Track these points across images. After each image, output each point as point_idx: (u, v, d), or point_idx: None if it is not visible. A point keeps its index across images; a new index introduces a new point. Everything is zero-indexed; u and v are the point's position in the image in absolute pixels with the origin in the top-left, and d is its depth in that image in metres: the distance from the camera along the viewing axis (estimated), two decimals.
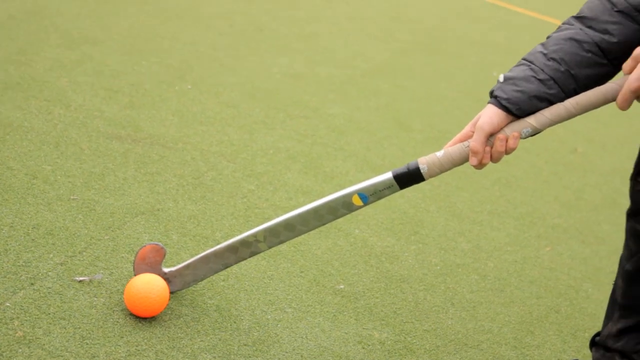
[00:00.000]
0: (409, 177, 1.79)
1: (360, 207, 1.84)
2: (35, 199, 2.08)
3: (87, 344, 1.60)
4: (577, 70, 1.75)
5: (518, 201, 3.17)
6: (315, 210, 1.86)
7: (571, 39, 1.78)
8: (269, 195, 2.54)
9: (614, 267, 1.92)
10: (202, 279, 1.94)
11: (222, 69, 3.56)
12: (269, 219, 1.99)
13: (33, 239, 1.89)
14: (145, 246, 1.88)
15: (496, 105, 1.72)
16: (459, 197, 3.03)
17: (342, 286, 2.17)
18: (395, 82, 4.24)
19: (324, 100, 3.55)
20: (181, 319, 1.80)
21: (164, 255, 1.89)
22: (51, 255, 1.86)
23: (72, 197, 2.16)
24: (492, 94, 1.75)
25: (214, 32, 4.07)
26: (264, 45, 4.12)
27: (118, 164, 2.43)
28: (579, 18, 1.83)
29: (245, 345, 1.76)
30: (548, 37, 1.79)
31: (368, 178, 1.82)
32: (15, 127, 2.43)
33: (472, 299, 2.33)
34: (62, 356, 1.55)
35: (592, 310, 2.48)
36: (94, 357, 1.57)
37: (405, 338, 2.01)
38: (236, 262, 1.93)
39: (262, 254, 2.04)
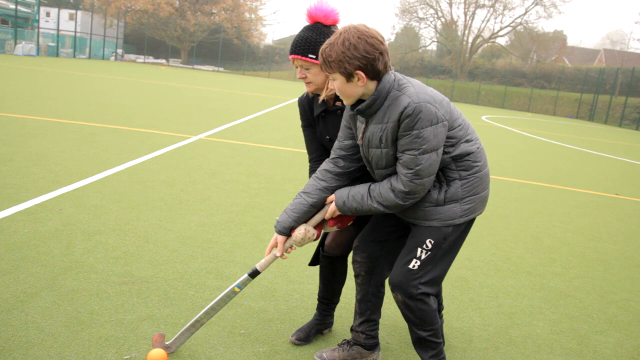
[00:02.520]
0: (254, 274, 2.37)
1: (239, 291, 2.39)
2: (95, 324, 2.59)
3: None
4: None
5: None
6: (221, 298, 2.38)
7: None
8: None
9: None
10: (184, 342, 2.42)
11: (165, 230, 4.12)
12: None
13: (100, 344, 2.40)
14: (154, 335, 2.37)
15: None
16: (293, 270, 3.72)
17: (242, 331, 2.68)
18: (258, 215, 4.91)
19: (220, 235, 4.18)
20: None
21: (164, 337, 2.38)
22: (110, 349, 2.36)
23: (111, 319, 2.62)
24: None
25: (158, 210, 4.64)
26: (184, 210, 4.73)
27: (128, 297, 2.90)
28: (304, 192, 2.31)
29: None
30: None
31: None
32: (76, 290, 3.01)
33: (303, 322, 2.93)
34: None
35: None
36: None
37: (274, 348, 2.57)
38: (197, 330, 2.42)
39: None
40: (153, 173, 5.81)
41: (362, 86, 2.03)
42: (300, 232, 2.30)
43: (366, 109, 2.07)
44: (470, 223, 2.25)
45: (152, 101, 13.61)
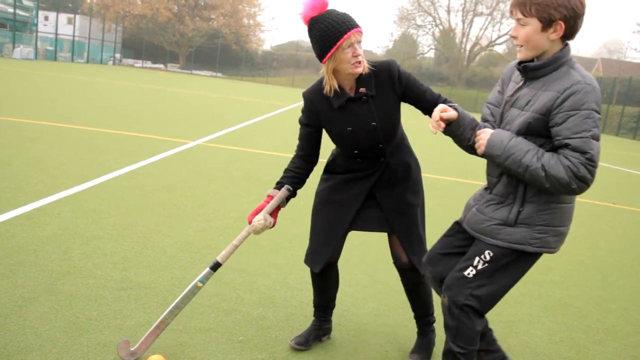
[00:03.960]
0: (216, 266, 2.44)
1: (202, 286, 2.43)
2: (94, 330, 2.57)
3: None
4: None
5: None
6: (185, 295, 2.41)
7: None
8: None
9: None
10: (152, 343, 2.39)
11: (164, 236, 4.11)
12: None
13: (98, 350, 2.41)
14: (119, 343, 2.34)
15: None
16: (292, 277, 3.71)
17: (241, 338, 2.67)
18: None
19: (218, 241, 4.13)
20: None
21: (129, 343, 2.34)
22: (109, 356, 2.36)
23: (109, 325, 2.60)
24: None
25: (157, 215, 4.64)
26: (183, 216, 4.72)
27: (126, 303, 2.88)
28: None
29: None
30: None
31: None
32: (74, 296, 2.98)
33: (300, 328, 2.91)
34: None
35: None
36: None
37: (273, 355, 2.55)
38: (162, 331, 2.41)
39: (199, 327, 2.63)
40: (152, 178, 5.81)
41: (554, 40, 1.87)
42: (259, 220, 2.38)
43: (537, 69, 1.91)
44: (536, 257, 2.07)
45: (150, 106, 13.61)
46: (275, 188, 2.52)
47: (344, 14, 2.25)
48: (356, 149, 2.40)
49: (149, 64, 46.13)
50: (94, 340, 2.52)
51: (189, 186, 5.69)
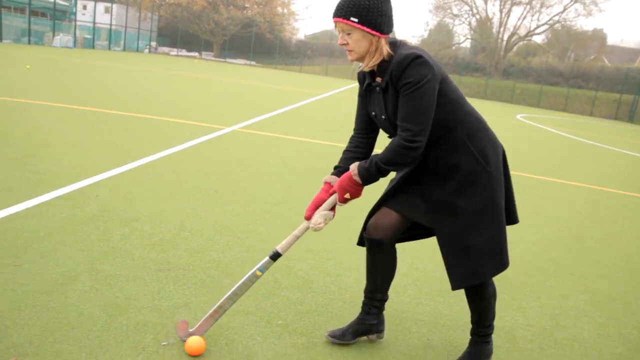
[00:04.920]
0: (275, 256, 2.32)
1: (261, 275, 2.34)
2: (133, 310, 2.58)
3: None
4: None
5: None
6: (244, 283, 2.34)
7: None
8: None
9: None
10: (209, 328, 2.34)
11: (200, 219, 4.06)
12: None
13: (138, 329, 2.40)
14: (177, 322, 2.36)
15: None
16: (330, 263, 3.61)
17: (280, 322, 2.64)
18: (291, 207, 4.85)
19: (255, 225, 4.08)
20: (212, 353, 2.28)
21: (187, 323, 2.34)
22: (148, 335, 2.33)
23: (147, 305, 2.60)
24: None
25: (193, 199, 4.63)
26: (219, 200, 4.70)
27: (164, 284, 2.88)
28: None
29: (242, 358, 2.27)
30: None
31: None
32: (113, 276, 2.93)
33: (341, 314, 2.86)
34: None
35: None
36: None
37: (312, 340, 2.51)
38: (220, 316, 2.36)
39: (238, 310, 2.60)
40: (187, 163, 5.82)
41: None
42: (317, 223, 2.26)
43: None
44: None
45: (185, 93, 13.71)
46: (333, 174, 2.37)
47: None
48: (386, 132, 2.33)
49: (184, 52, 46.56)
50: (133, 320, 2.52)
51: (225, 171, 5.68)
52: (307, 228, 2.32)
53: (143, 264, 3.13)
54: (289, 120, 11.00)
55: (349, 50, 2.14)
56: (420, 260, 3.82)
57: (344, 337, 2.49)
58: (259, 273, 2.36)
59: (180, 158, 6.01)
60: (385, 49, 2.11)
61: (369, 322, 2.52)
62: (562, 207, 6.31)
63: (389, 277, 2.48)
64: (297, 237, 2.34)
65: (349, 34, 2.11)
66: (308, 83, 28.41)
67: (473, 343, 2.49)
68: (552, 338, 2.95)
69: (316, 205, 2.32)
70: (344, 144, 8.37)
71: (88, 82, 13.04)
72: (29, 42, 30.02)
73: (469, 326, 2.90)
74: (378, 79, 2.20)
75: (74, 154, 5.48)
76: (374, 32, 2.08)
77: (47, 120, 7.17)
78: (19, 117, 7.19)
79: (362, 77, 2.32)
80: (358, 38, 2.09)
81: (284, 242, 2.35)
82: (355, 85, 30.78)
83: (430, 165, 2.24)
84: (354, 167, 2.22)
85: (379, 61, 2.14)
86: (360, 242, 2.55)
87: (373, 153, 2.34)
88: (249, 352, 2.39)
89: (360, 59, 2.16)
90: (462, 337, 2.81)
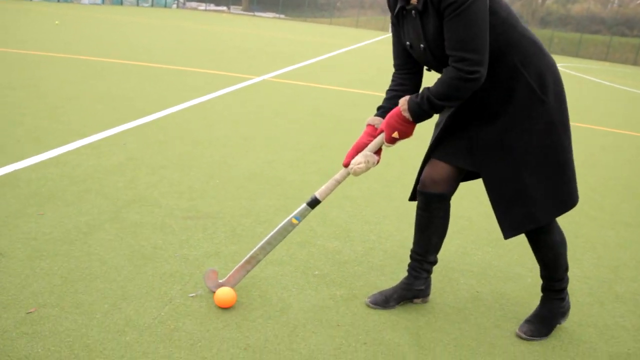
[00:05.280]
0: (314, 203, 2.08)
1: (298, 224, 2.10)
2: (159, 259, 2.39)
3: (204, 325, 1.94)
4: None
5: None
6: (278, 231, 2.11)
7: None
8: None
9: None
10: (240, 279, 2.16)
11: (230, 167, 3.87)
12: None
13: (164, 280, 2.21)
14: (206, 271, 2.16)
15: None
16: (368, 210, 3.34)
17: (316, 272, 2.42)
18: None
19: (288, 173, 3.89)
20: (243, 305, 2.09)
21: (217, 273, 2.14)
22: (175, 286, 2.16)
23: (175, 254, 2.41)
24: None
25: (223, 147, 4.42)
26: (250, 148, 4.49)
27: (193, 232, 2.68)
28: None
29: (276, 311, 2.08)
30: None
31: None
32: (139, 224, 2.75)
33: (382, 264, 2.61)
34: (193, 333, 1.87)
35: None
36: (207, 330, 1.90)
37: (352, 292, 2.28)
38: (253, 267, 2.15)
39: (270, 260, 2.42)
40: (216, 112, 5.61)
41: None
42: (358, 163, 1.98)
43: None
44: None
45: (215, 45, 13.41)
46: (377, 115, 2.09)
47: None
48: (425, 65, 2.02)
49: (212, 6, 45.86)
50: (160, 270, 2.34)
51: (255, 120, 5.45)
52: (348, 174, 2.06)
53: (170, 212, 2.95)
54: (319, 70, 10.63)
55: None
56: (464, 208, 3.55)
57: (388, 304, 2.25)
58: (295, 221, 2.13)
59: (210, 107, 5.79)
60: None
61: (417, 288, 2.26)
62: (610, 155, 5.91)
63: (443, 235, 2.20)
64: (338, 182, 2.07)
65: None
66: (338, 35, 27.68)
67: (545, 300, 2.22)
68: (613, 291, 2.68)
69: (357, 151, 2.06)
70: (378, 93, 8.06)
71: (117, 37, 12.84)
72: (58, 0, 29.89)
73: (521, 278, 2.67)
74: (413, 1, 1.86)
75: (103, 105, 5.31)
76: None
77: (76, 74, 7.02)
78: (49, 70, 7.05)
79: (393, 0, 1.97)
80: None
81: (323, 188, 2.10)
82: (387, 36, 29.88)
83: (478, 100, 1.94)
84: (403, 101, 1.93)
85: None
86: (413, 198, 2.23)
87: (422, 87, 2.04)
88: (284, 305, 2.19)
89: None
90: (514, 289, 2.57)
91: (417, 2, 1.83)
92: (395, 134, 1.96)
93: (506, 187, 1.98)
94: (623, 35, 38.82)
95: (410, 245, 2.80)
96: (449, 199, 2.15)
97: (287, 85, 7.98)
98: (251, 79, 8.15)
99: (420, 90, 1.94)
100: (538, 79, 1.90)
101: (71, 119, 4.66)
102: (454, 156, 2.07)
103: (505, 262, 2.85)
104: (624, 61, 36.03)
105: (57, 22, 14.86)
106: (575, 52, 37.18)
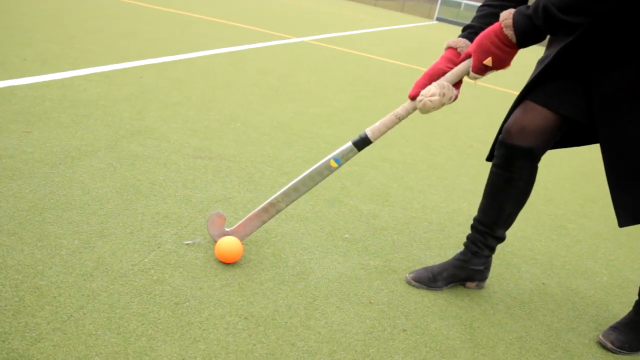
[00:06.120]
0: (362, 142, 1.59)
1: (337, 168, 1.62)
2: (155, 197, 1.93)
3: (196, 281, 1.52)
4: None
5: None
6: (310, 175, 1.64)
7: None
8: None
9: None
10: (252, 232, 1.72)
11: (256, 113, 3.40)
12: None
13: (156, 221, 1.77)
14: (212, 214, 1.70)
15: None
16: (411, 177, 2.80)
17: (347, 235, 1.98)
18: (360, 114, 4.06)
19: (320, 127, 3.37)
20: (251, 262, 1.66)
21: (225, 219, 1.71)
22: (168, 229, 1.73)
23: (177, 194, 2.00)
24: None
25: (249, 94, 3.96)
26: (279, 98, 3.99)
27: (202, 173, 2.24)
28: None
29: (292, 275, 1.65)
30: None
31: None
32: (139, 156, 2.28)
33: (426, 237, 2.12)
34: (181, 290, 1.46)
35: None
36: (200, 289, 1.48)
37: (389, 264, 1.84)
38: (270, 218, 1.70)
39: (291, 214, 1.98)
40: (248, 61, 5.12)
41: None
42: (431, 93, 1.45)
43: None
44: None
45: (258, 6, 12.89)
46: (462, 36, 1.58)
47: None
48: None
49: None
50: (153, 208, 1.88)
51: (289, 73, 4.94)
52: (415, 109, 1.54)
53: (179, 149, 2.49)
54: (362, 40, 10.05)
55: None
56: None
57: (435, 283, 1.77)
58: (334, 164, 1.62)
59: (242, 56, 5.30)
60: None
61: (475, 268, 1.78)
62: None
63: (521, 205, 1.70)
64: (399, 120, 1.55)
65: None
66: (382, 14, 26.91)
67: (637, 309, 1.73)
68: None
69: (430, 79, 1.53)
70: (422, 67, 7.47)
71: None
72: None
73: (595, 274, 2.17)
74: None
75: (126, 42, 4.85)
76: None
77: (105, 11, 6.58)
78: (76, 3, 6.63)
79: None
80: None
81: (377, 124, 1.57)
82: (433, 22, 29.08)
83: (613, 31, 1.44)
84: (507, 13, 1.40)
85: None
86: (491, 157, 1.75)
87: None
88: (303, 269, 1.71)
89: None
90: (588, 286, 2.05)
91: None
92: (488, 61, 1.41)
93: (630, 158, 1.47)
94: None
95: (464, 221, 2.32)
96: (539, 159, 1.62)
97: (327, 49, 7.44)
98: (289, 38, 7.62)
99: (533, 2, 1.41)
100: None
101: (88, 48, 4.22)
102: (560, 100, 1.54)
103: (575, 254, 2.33)
104: None
105: None
106: None
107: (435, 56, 8.74)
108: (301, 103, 3.87)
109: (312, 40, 8.03)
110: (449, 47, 1.56)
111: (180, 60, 4.44)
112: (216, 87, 3.83)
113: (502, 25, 1.39)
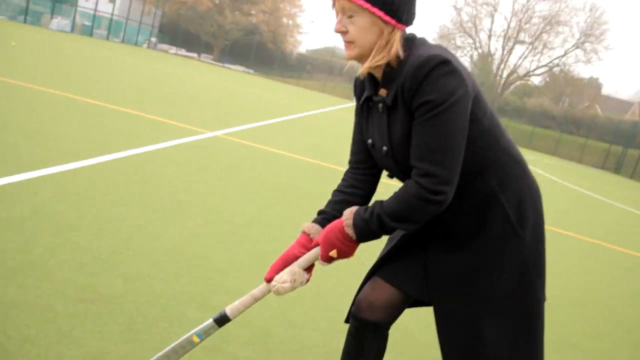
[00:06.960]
0: (221, 320, 1.65)
1: (198, 343, 1.66)
2: (24, 359, 1.93)
3: None
4: None
5: None
6: (173, 349, 1.66)
7: None
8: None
9: None
10: None
11: (152, 236, 3.42)
12: None
13: None
14: None
15: None
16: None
17: None
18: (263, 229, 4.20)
19: (215, 251, 3.44)
20: None
21: None
22: None
23: (47, 352, 1.97)
24: None
25: (151, 210, 4.00)
26: (180, 213, 4.06)
27: (80, 322, 2.20)
28: None
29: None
30: None
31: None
32: (15, 304, 2.21)
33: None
34: None
35: None
36: None
37: None
38: None
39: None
40: (156, 166, 5.18)
41: None
42: (282, 281, 1.59)
43: None
44: None
45: (175, 91, 13.07)
46: (316, 221, 1.70)
47: None
48: (386, 170, 1.70)
49: (183, 51, 45.84)
50: None
51: (195, 180, 5.04)
52: (269, 291, 1.64)
53: (61, 290, 2.48)
54: (276, 132, 10.39)
55: (348, 42, 1.47)
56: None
57: None
58: (196, 339, 1.68)
59: (149, 160, 5.36)
60: (397, 47, 1.46)
61: None
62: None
63: None
64: (256, 300, 1.66)
65: (350, 17, 1.45)
66: (303, 97, 27.89)
67: None
68: None
69: (284, 264, 1.65)
70: (333, 166, 7.79)
71: (73, 68, 12.35)
72: (25, 21, 29.19)
73: None
74: (382, 92, 1.52)
75: (26, 142, 4.80)
76: (388, 19, 1.43)
77: (8, 101, 6.49)
78: None
79: (360, 87, 1.67)
80: (364, 24, 1.44)
81: (236, 303, 1.66)
82: (352, 104, 30.39)
83: (444, 223, 1.61)
84: (349, 214, 1.57)
85: (387, 61, 1.47)
86: (349, 320, 1.87)
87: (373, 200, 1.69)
88: None
89: (363, 56, 1.48)
90: None
91: (387, 95, 1.51)
92: (333, 253, 1.58)
93: (459, 332, 1.62)
94: (571, 133, 40.76)
95: None
96: (387, 330, 1.77)
97: (239, 146, 7.64)
98: (203, 133, 7.78)
99: (371, 203, 1.61)
100: (517, 208, 1.58)
101: None
102: (402, 279, 1.71)
103: None
104: (571, 158, 37.59)
105: (13, 43, 14.27)
106: (527, 143, 38.60)
107: (342, 154, 9.13)
108: (201, 219, 3.95)
109: (226, 135, 8.22)
110: (303, 232, 1.72)
111: (82, 168, 4.44)
112: (116, 202, 3.85)
113: (344, 225, 1.57)
